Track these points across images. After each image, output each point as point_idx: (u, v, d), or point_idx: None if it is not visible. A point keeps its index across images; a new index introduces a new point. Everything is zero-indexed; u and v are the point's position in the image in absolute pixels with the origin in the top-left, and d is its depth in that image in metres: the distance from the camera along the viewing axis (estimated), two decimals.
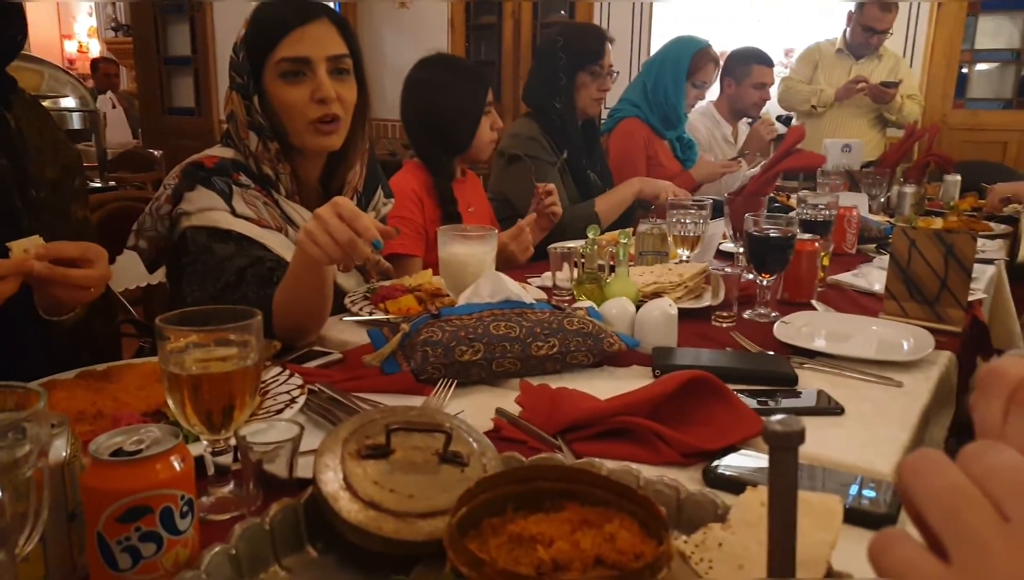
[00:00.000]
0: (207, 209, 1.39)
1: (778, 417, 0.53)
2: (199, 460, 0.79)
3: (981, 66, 5.39)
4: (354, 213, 1.19)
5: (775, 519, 0.54)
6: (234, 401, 0.79)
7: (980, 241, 2.34)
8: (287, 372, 1.10)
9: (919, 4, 5.03)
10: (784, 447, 0.53)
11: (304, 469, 0.79)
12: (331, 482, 0.71)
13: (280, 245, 1.42)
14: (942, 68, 5.30)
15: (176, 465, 0.65)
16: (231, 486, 0.82)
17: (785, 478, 0.53)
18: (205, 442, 0.80)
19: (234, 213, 1.40)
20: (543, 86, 2.56)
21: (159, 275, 1.49)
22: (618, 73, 2.66)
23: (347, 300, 1.49)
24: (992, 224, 2.71)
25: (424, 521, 0.70)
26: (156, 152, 5.88)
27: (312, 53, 1.41)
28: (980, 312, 1.72)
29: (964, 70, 5.36)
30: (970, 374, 1.62)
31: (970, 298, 1.53)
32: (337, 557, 0.72)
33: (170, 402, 0.80)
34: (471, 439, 0.81)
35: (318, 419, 1.01)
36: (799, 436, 0.53)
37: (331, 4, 6.95)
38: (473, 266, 1.45)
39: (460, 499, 0.66)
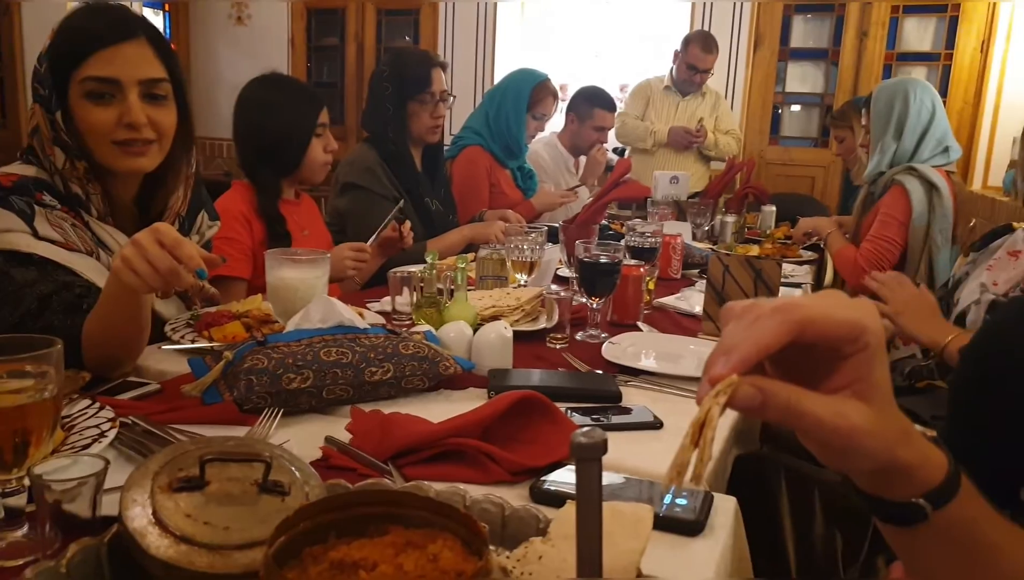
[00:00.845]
0: (3, 231, 1.27)
1: (583, 430, 0.56)
2: None
3: (794, 107, 5.90)
4: (176, 240, 1.13)
5: (582, 526, 0.56)
6: (28, 437, 0.73)
7: (790, 266, 2.57)
8: (97, 405, 1.03)
9: (737, 50, 5.45)
10: (588, 458, 0.56)
11: (110, 507, 0.74)
12: (138, 517, 0.67)
13: (91, 269, 1.32)
14: (759, 108, 5.77)
15: None
16: (24, 529, 0.76)
17: (590, 487, 0.56)
18: None
19: (36, 235, 1.28)
20: (375, 115, 2.54)
21: None
22: (454, 97, 2.67)
23: (168, 327, 1.41)
24: (802, 251, 2.97)
25: (241, 553, 0.67)
26: None
27: (123, 75, 1.31)
28: None
29: (779, 111, 5.85)
30: None
31: None
32: None
33: None
34: (293, 468, 0.79)
35: (131, 454, 0.96)
36: (601, 447, 0.56)
37: (158, 14, 6.67)
38: (303, 291, 1.42)
39: (278, 528, 0.65)
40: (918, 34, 5.47)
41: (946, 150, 2.66)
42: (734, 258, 1.60)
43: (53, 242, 1.29)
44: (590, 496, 0.55)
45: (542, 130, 3.38)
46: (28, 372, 0.76)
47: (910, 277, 2.55)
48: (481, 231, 2.48)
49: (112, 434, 0.95)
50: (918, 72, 5.31)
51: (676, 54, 4.31)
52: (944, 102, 2.86)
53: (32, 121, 1.36)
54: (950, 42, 5.28)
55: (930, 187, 2.58)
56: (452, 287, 1.58)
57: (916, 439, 0.56)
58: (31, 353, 0.74)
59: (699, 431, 0.49)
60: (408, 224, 2.17)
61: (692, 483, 0.49)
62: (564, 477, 0.97)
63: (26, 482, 0.75)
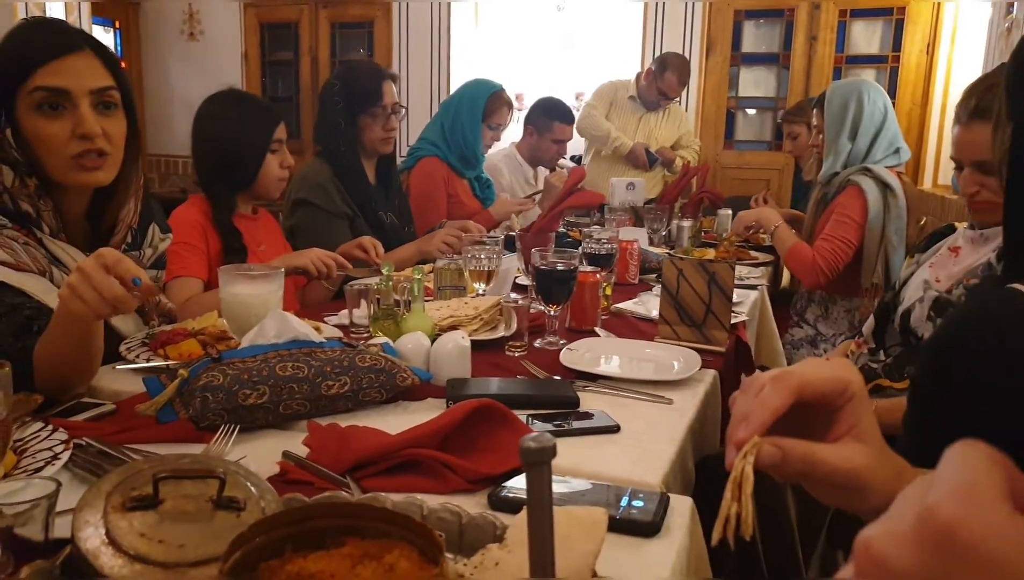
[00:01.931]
0: None
1: (532, 435, 0.58)
2: None
3: (748, 111, 6.01)
4: (117, 258, 1.13)
5: (534, 530, 0.58)
6: None
7: (745, 269, 2.62)
8: (50, 427, 1.02)
9: (690, 55, 5.53)
10: (537, 462, 0.57)
11: (63, 529, 0.73)
12: (91, 538, 0.67)
13: (41, 290, 1.31)
14: (712, 113, 5.86)
15: None
16: None
17: (540, 491, 0.57)
18: None
19: None
20: (327, 130, 2.53)
21: None
22: (405, 109, 2.67)
23: (123, 347, 1.40)
24: (758, 254, 3.02)
25: (196, 570, 0.68)
26: None
27: (73, 85, 1.30)
28: (743, 333, 1.91)
29: (733, 115, 5.95)
30: (735, 390, 1.79)
31: (733, 321, 1.70)
32: None
33: None
34: (248, 483, 0.79)
35: (85, 475, 0.95)
36: (550, 451, 0.57)
37: (109, 32, 6.57)
38: (257, 307, 1.41)
39: (232, 543, 0.65)
40: (866, 37, 5.61)
41: (897, 151, 2.72)
42: (688, 262, 1.63)
43: (2, 263, 1.27)
44: (540, 500, 0.57)
45: (498, 140, 3.40)
46: None
47: (866, 278, 2.60)
48: (427, 244, 2.45)
49: (65, 456, 0.94)
50: (867, 74, 5.44)
51: (649, 72, 4.33)
52: (893, 103, 2.92)
53: None
54: (897, 44, 5.43)
55: (884, 187, 2.62)
56: (408, 299, 1.59)
57: (912, 473, 0.64)
58: None
59: (738, 489, 0.57)
60: (378, 245, 2.17)
61: (743, 533, 0.56)
62: (522, 484, 0.98)
63: None
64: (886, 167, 2.67)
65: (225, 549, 0.64)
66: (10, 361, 0.85)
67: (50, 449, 0.97)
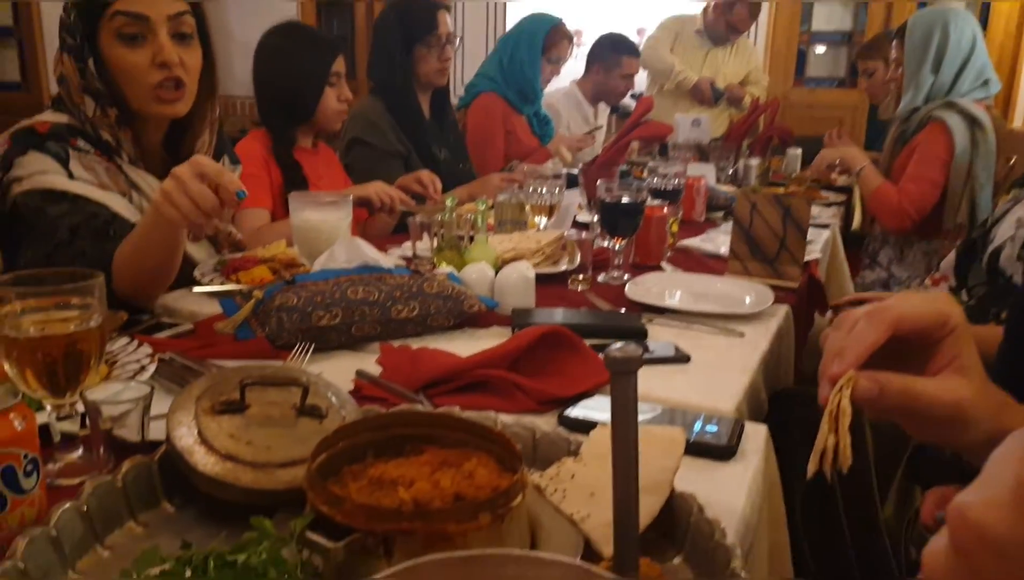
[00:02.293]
0: (40, 173, 1.30)
1: (618, 345, 0.57)
2: (45, 428, 0.76)
3: (819, 48, 5.77)
4: (218, 169, 1.15)
5: (618, 440, 0.58)
6: (78, 363, 0.76)
7: (816, 208, 2.53)
8: (135, 342, 1.06)
9: None
10: (623, 371, 0.57)
11: (156, 432, 0.77)
12: (185, 437, 0.70)
13: (123, 207, 1.35)
14: (783, 48, 5.64)
15: (16, 424, 0.62)
16: (80, 452, 0.79)
17: (626, 401, 0.57)
18: (49, 407, 0.77)
19: (71, 177, 1.31)
20: (382, 63, 2.50)
21: None
22: (461, 39, 2.62)
23: (197, 272, 1.44)
24: (829, 193, 2.93)
25: (283, 471, 0.70)
26: None
27: (151, 12, 1.33)
28: (816, 271, 1.87)
29: (804, 51, 5.73)
30: (808, 328, 1.76)
31: (806, 258, 1.66)
32: (195, 511, 0.71)
33: (8, 368, 0.75)
34: (329, 394, 0.81)
35: (170, 386, 0.98)
36: (636, 361, 0.57)
37: None
38: (327, 233, 1.43)
39: (319, 446, 0.67)
40: None
41: (986, 83, 2.53)
42: (763, 196, 1.59)
43: (87, 183, 1.32)
44: (626, 409, 0.57)
45: (557, 74, 3.33)
46: (73, 304, 0.78)
47: (949, 218, 2.49)
48: (480, 187, 2.42)
49: (152, 368, 0.98)
50: (956, 4, 5.15)
51: (718, 4, 4.15)
52: (984, 34, 2.73)
53: (57, 70, 1.38)
54: None
55: (972, 122, 2.45)
56: (472, 233, 1.59)
57: (1015, 407, 0.62)
58: (74, 284, 0.76)
59: (835, 421, 0.57)
60: (436, 180, 2.16)
61: (840, 466, 0.56)
62: (591, 407, 0.98)
63: (79, 407, 0.77)
64: (973, 100, 2.50)
65: (311, 451, 0.67)
66: (91, 263, 0.88)
67: (137, 361, 1.00)
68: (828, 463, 0.55)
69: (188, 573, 0.52)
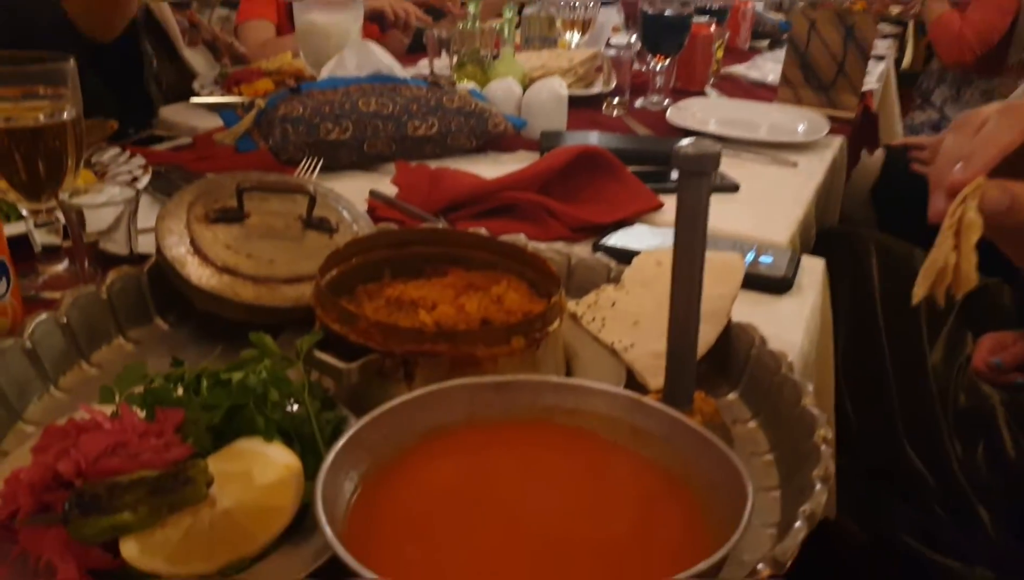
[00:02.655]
0: None
1: (689, 139, 0.47)
2: (25, 239, 0.68)
3: None
4: None
5: (682, 253, 0.48)
6: (51, 163, 0.66)
7: None
8: (127, 153, 0.96)
9: None
10: (696, 172, 0.47)
11: (147, 246, 0.68)
12: (176, 246, 0.61)
13: None
14: None
15: None
16: (65, 264, 0.71)
17: (696, 207, 0.47)
18: (25, 213, 0.68)
19: None
20: None
21: None
22: None
23: (196, 84, 1.32)
24: (884, 25, 2.69)
25: (288, 287, 0.62)
26: None
27: None
28: (871, 102, 1.72)
29: None
30: (852, 167, 1.64)
31: (864, 88, 1.51)
32: (191, 330, 0.63)
33: None
34: (340, 207, 0.72)
35: (164, 199, 0.89)
36: (712, 160, 0.47)
37: None
38: (336, 37, 1.28)
39: (328, 259, 0.58)
40: None
41: None
42: (823, 13, 1.42)
43: None
44: (695, 217, 0.47)
45: None
46: (42, 94, 0.67)
47: (1015, 52, 2.28)
48: None
49: (146, 179, 0.89)
50: None
51: None
52: None
53: None
54: None
55: None
56: (495, 54, 1.44)
57: None
58: (42, 67, 0.66)
59: (956, 238, 0.47)
60: None
61: (960, 288, 0.47)
62: (631, 235, 0.89)
63: (59, 215, 0.68)
64: None
65: (320, 266, 0.58)
66: None
67: (129, 172, 0.91)
68: (943, 285, 0.46)
69: (178, 392, 0.45)
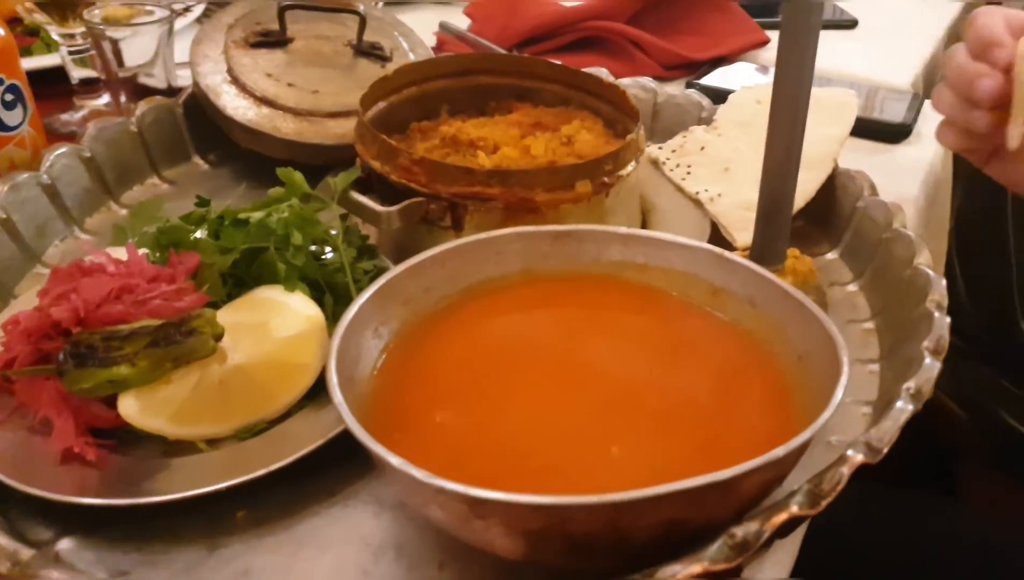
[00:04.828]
0: None
1: None
2: (61, 70, 0.64)
3: None
4: None
5: (782, 92, 0.39)
6: None
7: None
8: None
9: None
10: None
11: (188, 80, 0.62)
12: (211, 74, 0.55)
13: None
14: None
15: None
16: (105, 99, 0.67)
17: (802, 32, 0.38)
18: (57, 35, 0.63)
19: None
20: None
21: None
22: None
23: None
24: None
25: (334, 121, 0.55)
26: None
27: None
28: None
29: None
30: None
31: None
32: (233, 169, 0.58)
33: None
34: (396, 32, 0.64)
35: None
36: None
37: None
38: None
39: (374, 87, 0.51)
40: None
41: None
42: None
43: None
44: (802, 46, 0.37)
45: None
46: None
47: None
48: None
49: (199, 9, 0.82)
50: None
51: None
52: None
53: None
54: None
55: None
56: None
57: None
58: None
59: None
60: None
61: None
62: (732, 75, 0.78)
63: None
64: None
65: (363, 95, 0.51)
66: None
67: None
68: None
69: (194, 231, 0.40)
